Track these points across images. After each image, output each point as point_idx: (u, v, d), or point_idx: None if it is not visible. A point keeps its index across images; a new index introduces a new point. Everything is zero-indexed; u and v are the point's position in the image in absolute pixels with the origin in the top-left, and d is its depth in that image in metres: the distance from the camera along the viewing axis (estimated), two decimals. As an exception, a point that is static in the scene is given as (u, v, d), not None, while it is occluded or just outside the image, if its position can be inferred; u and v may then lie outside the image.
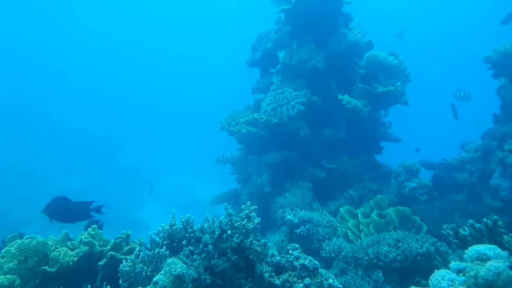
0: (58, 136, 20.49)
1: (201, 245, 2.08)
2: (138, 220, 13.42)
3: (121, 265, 2.19)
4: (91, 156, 18.22)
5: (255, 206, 2.16)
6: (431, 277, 1.82)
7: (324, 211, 4.40)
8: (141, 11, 34.48)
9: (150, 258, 2.15)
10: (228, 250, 1.95)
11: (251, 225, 2.03)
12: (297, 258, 2.04)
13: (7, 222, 9.72)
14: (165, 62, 35.71)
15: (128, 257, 2.28)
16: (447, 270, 1.79)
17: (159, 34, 34.93)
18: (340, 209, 4.32)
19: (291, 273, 1.99)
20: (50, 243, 2.54)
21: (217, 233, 2.00)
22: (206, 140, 19.02)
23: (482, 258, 1.71)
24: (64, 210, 2.88)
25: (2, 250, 2.36)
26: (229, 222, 2.01)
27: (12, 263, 2.29)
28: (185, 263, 2.05)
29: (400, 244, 3.09)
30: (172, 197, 15.77)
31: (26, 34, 31.99)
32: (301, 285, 1.92)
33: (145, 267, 2.12)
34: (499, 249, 1.74)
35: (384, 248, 3.09)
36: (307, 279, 1.95)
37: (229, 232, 2.00)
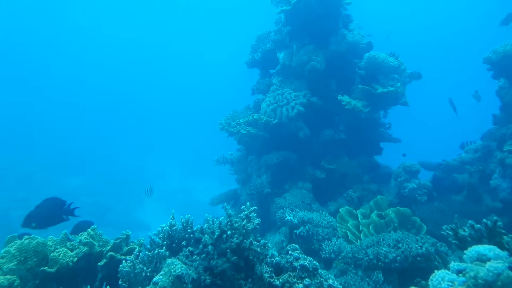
0: (57, 137, 20.49)
1: (200, 246, 2.08)
2: (137, 220, 13.43)
3: (120, 265, 2.19)
4: (91, 157, 18.22)
5: (255, 207, 2.16)
6: (431, 277, 1.82)
7: (324, 212, 4.40)
8: (141, 11, 34.52)
9: (150, 258, 2.14)
10: (228, 250, 1.95)
11: (251, 226, 2.03)
12: (297, 258, 2.04)
13: (6, 222, 9.71)
14: (165, 63, 35.73)
15: (127, 257, 2.27)
16: (447, 271, 1.79)
17: (159, 34, 34.97)
18: (340, 210, 4.32)
19: (291, 273, 1.99)
20: (49, 243, 2.54)
21: (216, 233, 2.00)
22: (205, 140, 19.02)
23: (482, 259, 1.71)
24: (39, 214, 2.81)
25: (2, 251, 2.36)
26: (229, 223, 2.01)
27: (12, 264, 2.29)
28: (185, 263, 2.05)
29: (400, 245, 3.09)
30: (171, 197, 15.77)
31: (26, 34, 32.01)
32: (301, 285, 1.92)
33: (144, 268, 2.12)
34: (499, 250, 1.74)
35: (384, 249, 3.09)
36: (307, 279, 1.95)
37: (229, 232, 2.00)
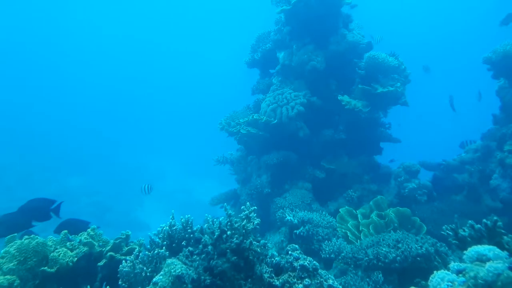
0: (57, 137, 20.49)
1: (200, 246, 2.08)
2: (137, 220, 13.43)
3: (120, 265, 2.19)
4: (91, 157, 18.23)
5: (255, 207, 2.16)
6: (430, 277, 1.82)
7: (323, 212, 4.40)
8: (141, 11, 34.51)
9: (150, 258, 2.14)
10: (228, 250, 1.95)
11: (251, 226, 2.03)
12: (297, 258, 2.04)
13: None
14: (165, 63, 35.74)
15: (127, 257, 2.27)
16: (446, 271, 1.79)
17: (159, 34, 34.97)
18: (340, 210, 4.32)
19: (290, 273, 1.99)
20: (49, 243, 2.53)
21: (216, 233, 2.00)
22: (205, 140, 19.02)
23: (482, 259, 1.71)
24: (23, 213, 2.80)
25: (2, 251, 2.36)
26: (229, 223, 2.01)
27: (12, 264, 2.28)
28: (185, 263, 2.05)
29: (399, 245, 3.09)
30: (171, 197, 15.77)
31: (26, 34, 32.00)
32: (300, 286, 1.92)
33: (144, 268, 2.11)
34: (499, 250, 1.74)
35: (384, 249, 3.09)
36: (306, 279, 1.95)
37: (228, 232, 1.99)
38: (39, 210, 2.84)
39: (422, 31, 30.14)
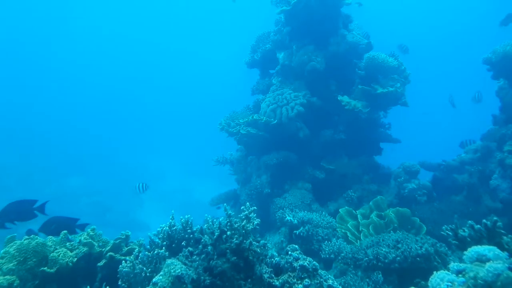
0: (57, 137, 20.48)
1: (200, 246, 2.08)
2: (137, 220, 13.42)
3: (120, 266, 2.19)
4: (91, 157, 18.21)
5: (255, 207, 2.16)
6: (430, 278, 1.82)
7: (323, 212, 4.40)
8: (141, 11, 34.50)
9: (150, 259, 2.14)
10: (228, 251, 1.95)
11: (251, 226, 2.03)
12: (297, 259, 2.04)
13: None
14: (165, 63, 35.70)
15: (127, 258, 2.27)
16: (446, 271, 1.79)
17: (159, 34, 34.95)
18: (340, 210, 4.32)
19: (290, 274, 1.99)
20: (49, 243, 2.53)
21: (216, 234, 2.00)
22: (205, 141, 19.00)
23: (482, 259, 1.71)
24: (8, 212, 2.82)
25: (1, 251, 2.36)
26: (229, 223, 2.01)
27: (11, 264, 2.28)
28: (185, 264, 2.05)
29: (399, 245, 3.09)
30: (171, 197, 15.77)
31: (25, 34, 31.98)
32: (300, 286, 1.92)
33: (144, 268, 2.11)
34: (499, 250, 1.74)
35: (384, 249, 3.09)
36: (306, 280, 1.95)
37: (228, 233, 1.99)
38: (20, 211, 2.86)
39: (422, 31, 30.13)
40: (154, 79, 34.75)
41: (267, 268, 2.00)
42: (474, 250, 1.78)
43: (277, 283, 1.94)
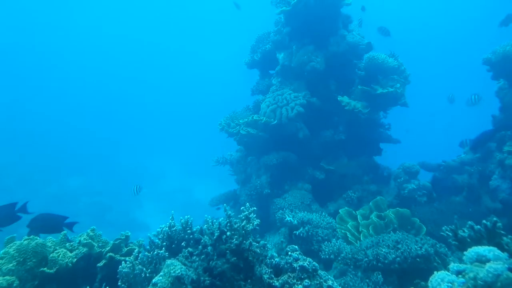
0: (57, 137, 20.48)
1: (200, 247, 2.08)
2: (137, 221, 13.42)
3: (120, 266, 2.18)
4: (91, 157, 18.21)
5: (255, 208, 2.16)
6: (430, 278, 1.82)
7: (323, 213, 4.40)
8: (141, 11, 34.51)
9: (149, 259, 2.14)
10: (227, 251, 1.95)
11: (251, 227, 2.03)
12: (296, 259, 2.04)
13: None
14: (165, 63, 35.71)
15: (127, 258, 2.27)
16: (446, 272, 1.79)
17: (159, 34, 34.95)
18: (340, 211, 4.32)
19: (290, 274, 1.99)
20: (49, 244, 2.53)
21: (216, 234, 2.00)
22: (205, 141, 19.01)
23: (482, 260, 1.71)
24: None
25: (1, 251, 2.35)
26: (228, 224, 2.01)
27: (11, 264, 2.28)
28: (184, 264, 2.05)
29: (399, 246, 3.09)
30: (171, 198, 15.76)
31: (25, 34, 31.99)
32: (300, 286, 1.91)
33: (144, 269, 2.11)
34: (499, 251, 1.74)
35: (384, 250, 3.09)
36: (306, 280, 1.94)
37: (228, 233, 1.99)
38: (1, 217, 2.87)
39: (421, 32, 30.16)
40: (154, 79, 34.77)
41: (267, 269, 2.00)
42: (474, 250, 1.78)
43: (277, 283, 1.94)
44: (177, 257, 2.14)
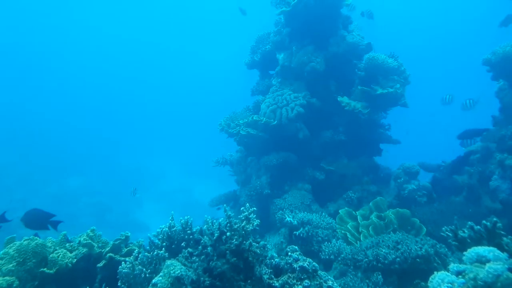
0: (57, 137, 20.48)
1: (200, 247, 2.08)
2: (137, 221, 13.42)
3: (120, 267, 2.18)
4: (91, 157, 18.22)
5: (255, 208, 2.16)
6: (430, 279, 1.82)
7: (323, 213, 4.40)
8: (141, 12, 34.53)
9: (149, 260, 2.14)
10: (227, 252, 1.95)
11: (250, 227, 2.02)
12: (296, 260, 2.03)
13: (5, 224, 9.69)
14: (165, 63, 35.74)
15: (127, 259, 2.27)
16: (446, 272, 1.79)
17: (159, 35, 34.98)
18: (340, 211, 4.32)
19: (290, 275, 1.99)
20: (48, 244, 2.53)
21: (216, 235, 2.00)
22: (205, 141, 19.01)
23: (482, 260, 1.71)
24: None
25: (1, 252, 2.35)
26: (228, 224, 2.01)
27: (11, 265, 2.28)
28: (184, 265, 2.05)
29: (399, 246, 3.09)
30: (171, 198, 15.77)
31: (25, 34, 32.00)
32: (300, 287, 1.91)
33: (144, 269, 2.11)
34: (499, 251, 1.74)
35: (384, 250, 3.09)
36: (306, 281, 1.94)
37: (228, 234, 1.99)
38: None
39: (421, 32, 30.18)
40: (154, 80, 34.79)
41: (267, 269, 2.00)
42: (474, 251, 1.78)
43: (277, 284, 1.94)
44: (177, 257, 2.14)
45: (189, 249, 2.16)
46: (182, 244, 2.23)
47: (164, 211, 13.63)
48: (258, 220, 2.08)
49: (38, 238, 2.49)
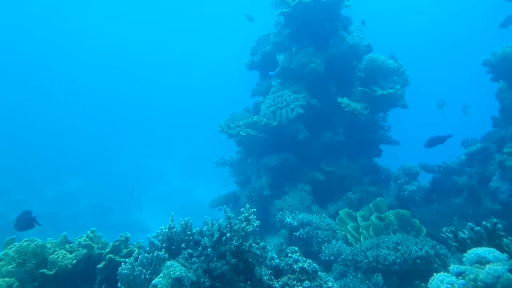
0: (57, 138, 20.48)
1: (200, 248, 2.07)
2: (137, 222, 13.41)
3: (119, 268, 2.18)
4: (91, 158, 18.21)
5: (254, 209, 2.16)
6: (430, 280, 1.82)
7: (323, 214, 4.40)
8: (142, 13, 34.59)
9: (149, 261, 2.14)
10: (227, 253, 1.95)
11: (250, 228, 2.02)
12: (296, 261, 2.03)
13: (4, 225, 9.68)
14: (166, 64, 35.79)
15: (127, 260, 2.27)
16: (446, 273, 1.78)
17: (160, 36, 35.04)
18: (340, 212, 4.32)
19: (290, 276, 1.98)
20: (48, 245, 2.53)
21: (216, 236, 2.00)
22: (205, 142, 19.02)
23: (482, 261, 1.71)
24: None
25: (1, 253, 2.35)
26: (228, 225, 2.01)
27: (11, 266, 2.28)
28: (184, 266, 2.05)
29: (399, 247, 3.08)
30: (171, 199, 15.77)
31: (26, 35, 32.04)
32: (300, 288, 1.91)
33: (144, 270, 2.11)
34: (499, 252, 1.74)
35: (384, 251, 3.08)
36: (306, 282, 1.94)
37: (228, 235, 1.99)
38: None
39: (421, 33, 30.21)
40: (154, 81, 34.81)
41: (266, 270, 2.00)
42: (474, 252, 1.78)
43: (277, 285, 1.94)
44: (177, 258, 2.14)
45: (189, 250, 2.16)
46: (182, 245, 2.23)
47: (164, 212, 13.63)
48: (258, 221, 2.08)
49: (38, 239, 2.49)
